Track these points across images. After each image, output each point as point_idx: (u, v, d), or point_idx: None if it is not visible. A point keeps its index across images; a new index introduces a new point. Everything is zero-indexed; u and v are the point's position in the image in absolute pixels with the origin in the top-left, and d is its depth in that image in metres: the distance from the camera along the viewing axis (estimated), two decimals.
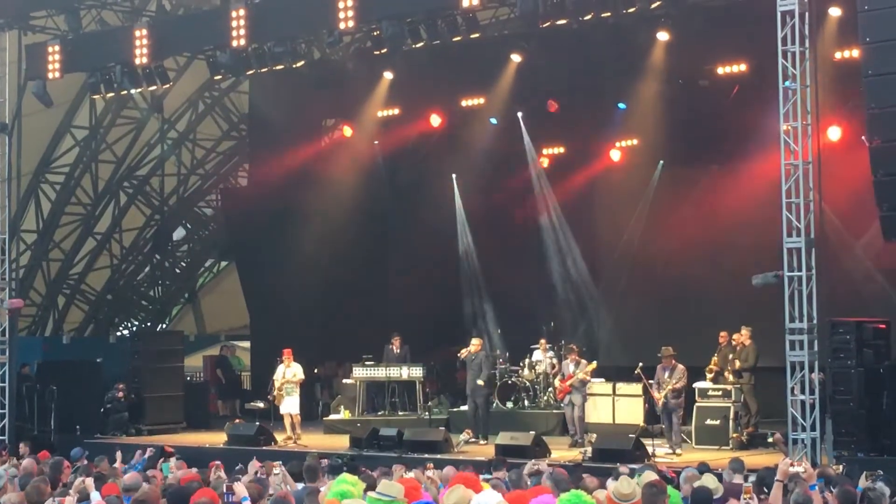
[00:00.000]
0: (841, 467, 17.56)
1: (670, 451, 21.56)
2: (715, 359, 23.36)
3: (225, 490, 11.16)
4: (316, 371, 29.69)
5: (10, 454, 21.28)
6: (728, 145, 25.94)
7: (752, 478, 13.18)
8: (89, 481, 12.13)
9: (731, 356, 23.03)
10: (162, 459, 18.81)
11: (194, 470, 15.05)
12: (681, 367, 22.10)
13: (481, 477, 12.04)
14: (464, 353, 24.46)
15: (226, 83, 33.05)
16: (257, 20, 23.21)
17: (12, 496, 11.38)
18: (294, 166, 29.66)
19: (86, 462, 17.55)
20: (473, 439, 23.27)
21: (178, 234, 39.14)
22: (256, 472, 14.63)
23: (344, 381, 27.87)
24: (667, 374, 21.98)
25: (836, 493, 11.73)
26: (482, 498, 8.28)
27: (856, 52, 22.26)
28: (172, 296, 40.36)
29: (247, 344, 34.07)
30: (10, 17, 26.00)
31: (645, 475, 10.82)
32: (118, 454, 18.82)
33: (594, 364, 23.60)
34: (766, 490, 11.82)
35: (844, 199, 22.80)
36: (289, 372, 24.74)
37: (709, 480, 11.97)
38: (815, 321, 19.07)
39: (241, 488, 11.03)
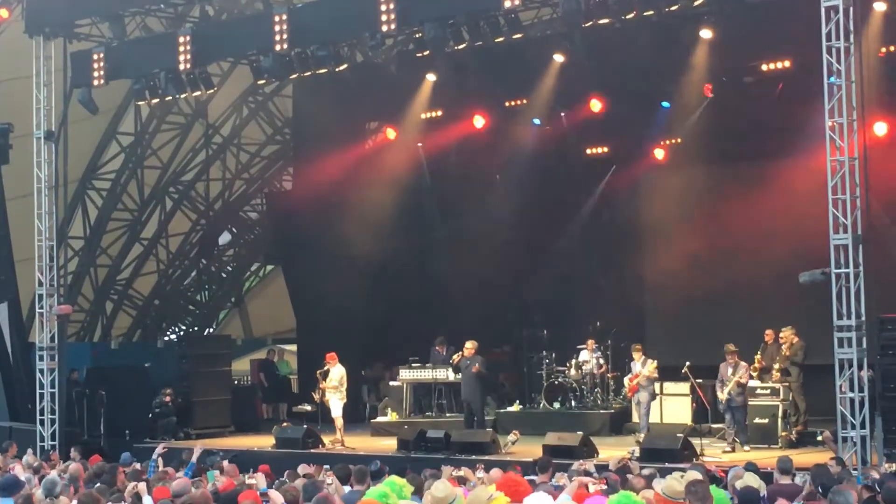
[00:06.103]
0: (893, 465, 17.45)
1: (729, 448, 21.54)
2: (759, 356, 23.23)
3: (261, 497, 11.32)
4: (363, 373, 29.76)
5: (60, 459, 21.47)
6: (773, 142, 25.78)
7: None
8: (142, 486, 12.23)
9: (776, 355, 22.91)
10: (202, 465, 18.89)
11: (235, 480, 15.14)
12: (744, 363, 22.31)
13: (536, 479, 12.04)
14: (457, 357, 24.40)
15: (269, 88, 33.23)
16: (300, 24, 23.31)
17: (66, 501, 11.48)
18: (338, 169, 29.70)
19: (137, 467, 17.66)
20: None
21: (224, 238, 39.40)
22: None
23: (391, 383, 27.90)
24: (730, 371, 22.15)
25: (883, 491, 11.66)
26: (533, 500, 8.27)
27: None
28: (219, 300, 40.59)
29: (294, 347, 34.19)
30: (56, 26, 26.22)
31: (689, 474, 10.79)
32: (159, 459, 18.94)
33: (655, 363, 23.51)
34: (820, 490, 11.84)
35: (891, 195, 22.63)
36: (329, 376, 24.73)
37: (751, 479, 11.95)
38: (863, 318, 18.97)
39: (276, 495, 11.18)
